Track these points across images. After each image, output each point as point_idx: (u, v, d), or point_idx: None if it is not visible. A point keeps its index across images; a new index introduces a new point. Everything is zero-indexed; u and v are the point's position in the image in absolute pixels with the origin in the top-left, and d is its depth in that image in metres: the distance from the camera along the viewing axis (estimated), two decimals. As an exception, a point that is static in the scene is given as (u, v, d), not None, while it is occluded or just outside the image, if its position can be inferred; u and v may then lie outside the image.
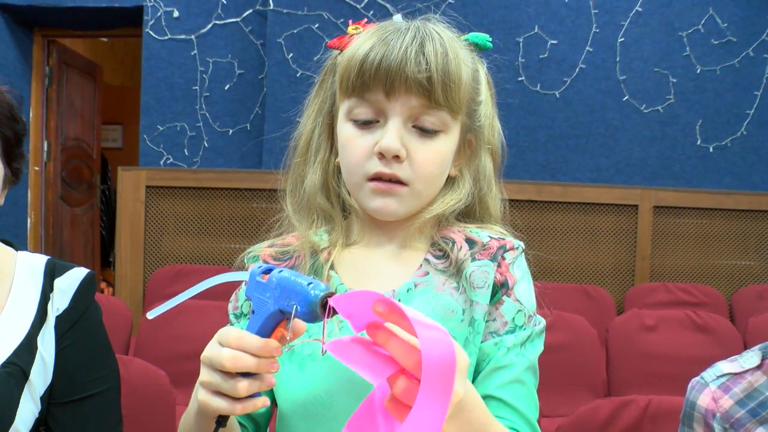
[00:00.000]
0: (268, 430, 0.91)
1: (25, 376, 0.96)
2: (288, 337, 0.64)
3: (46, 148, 4.80)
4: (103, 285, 5.90)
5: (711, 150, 3.84)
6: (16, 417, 0.94)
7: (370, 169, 0.80)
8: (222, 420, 0.68)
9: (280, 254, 0.89)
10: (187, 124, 4.07)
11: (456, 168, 0.87)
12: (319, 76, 0.90)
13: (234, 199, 3.61)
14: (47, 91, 4.80)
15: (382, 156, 0.79)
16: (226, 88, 4.05)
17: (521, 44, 3.82)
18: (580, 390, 2.44)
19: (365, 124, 0.81)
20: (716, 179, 3.83)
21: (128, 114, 6.58)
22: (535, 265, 0.88)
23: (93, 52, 6.49)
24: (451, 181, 0.87)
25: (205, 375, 0.66)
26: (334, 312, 0.61)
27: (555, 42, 3.83)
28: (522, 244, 0.86)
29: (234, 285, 0.77)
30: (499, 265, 0.82)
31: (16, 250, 1.07)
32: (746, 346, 2.55)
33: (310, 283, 0.62)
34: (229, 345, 0.64)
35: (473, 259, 0.83)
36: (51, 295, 1.02)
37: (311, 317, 0.62)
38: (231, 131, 4.06)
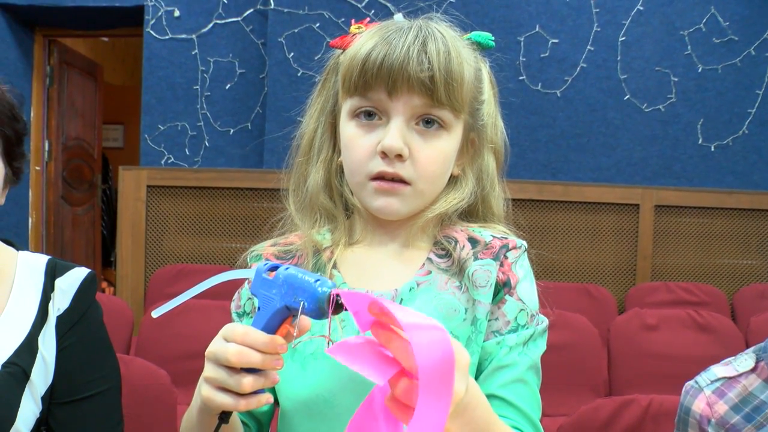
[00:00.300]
0: (270, 428, 0.91)
1: (26, 376, 0.96)
2: (294, 334, 0.64)
3: (47, 147, 4.81)
4: (104, 284, 5.91)
5: (712, 149, 3.83)
6: (17, 417, 0.94)
7: (373, 169, 0.80)
8: (225, 416, 0.68)
9: (283, 253, 0.89)
10: (188, 123, 4.07)
11: (459, 167, 0.87)
12: (321, 75, 0.90)
13: (235, 199, 3.61)
14: (48, 91, 4.80)
15: (384, 155, 0.79)
16: (227, 87, 4.05)
17: (522, 43, 3.82)
18: (581, 389, 2.43)
19: (368, 124, 0.81)
20: (718, 178, 3.83)
21: (129, 113, 6.58)
22: (537, 264, 0.87)
23: (94, 51, 6.49)
24: (453, 180, 0.87)
25: (209, 370, 0.65)
26: (340, 309, 0.61)
27: (556, 41, 3.82)
28: (525, 243, 0.86)
29: (236, 284, 0.77)
30: (501, 264, 0.82)
31: (17, 249, 1.07)
32: (748, 346, 2.54)
33: (318, 280, 0.62)
34: (235, 340, 0.64)
35: (476, 258, 0.83)
36: (52, 295, 1.02)
37: (318, 314, 0.62)
38: (232, 131, 4.06)
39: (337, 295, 0.61)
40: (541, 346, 0.83)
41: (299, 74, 3.81)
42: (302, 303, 0.62)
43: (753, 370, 0.95)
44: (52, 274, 1.03)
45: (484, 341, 0.81)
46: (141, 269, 3.60)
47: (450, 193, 0.86)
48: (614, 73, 3.82)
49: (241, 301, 0.90)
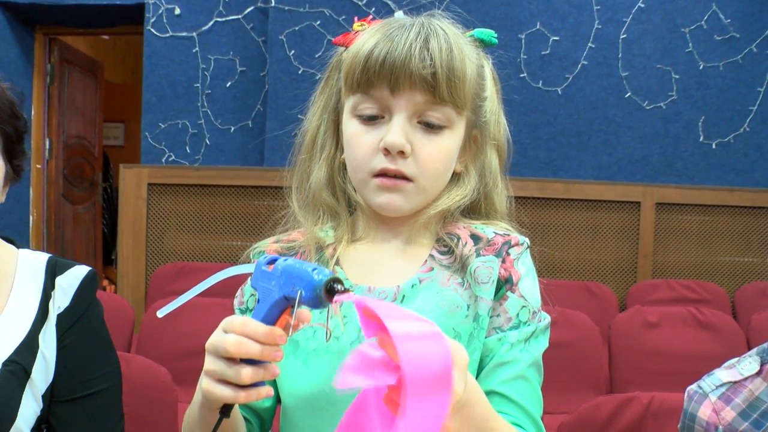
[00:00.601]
0: (271, 425, 0.91)
1: (26, 374, 0.96)
2: (292, 324, 0.64)
3: (47, 145, 4.80)
4: (105, 282, 5.91)
5: (714, 147, 3.83)
6: (18, 415, 0.94)
7: (376, 165, 0.80)
8: (226, 410, 0.68)
9: (286, 250, 0.89)
10: (189, 121, 4.07)
11: (461, 164, 0.87)
12: (324, 72, 0.90)
13: (236, 197, 3.61)
14: (49, 89, 4.80)
15: (387, 152, 0.80)
16: (228, 85, 4.05)
17: (523, 41, 3.81)
18: (582, 387, 2.43)
19: (370, 121, 0.81)
20: (719, 176, 3.82)
21: (130, 111, 6.58)
22: (538, 261, 0.87)
23: (94, 49, 6.49)
24: (456, 177, 0.87)
25: (209, 362, 0.65)
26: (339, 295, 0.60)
27: (557, 38, 3.82)
28: (527, 240, 0.86)
29: (237, 281, 0.77)
30: (503, 261, 0.82)
31: (18, 248, 1.07)
32: (749, 343, 2.54)
33: (315, 269, 0.62)
34: (234, 331, 0.64)
35: (478, 255, 0.83)
36: (52, 293, 1.02)
37: (316, 302, 0.61)
38: (233, 128, 4.06)
39: (333, 281, 0.60)
40: (543, 343, 0.83)
41: (300, 72, 3.81)
42: (300, 292, 0.61)
43: (758, 373, 0.93)
44: (52, 272, 1.03)
45: (485, 338, 0.80)
46: (142, 267, 3.60)
47: (452, 190, 0.86)
48: (615, 70, 3.82)
49: (243, 298, 0.90)
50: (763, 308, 2.91)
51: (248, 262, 0.87)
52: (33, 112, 4.67)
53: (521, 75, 3.81)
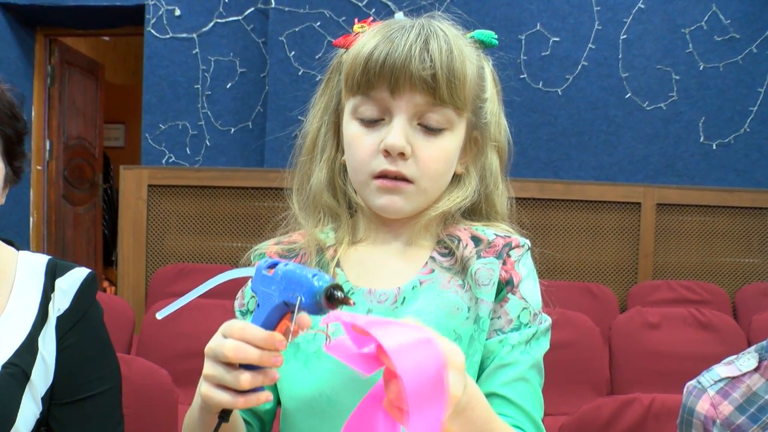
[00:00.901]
0: (272, 427, 0.91)
1: (26, 376, 0.96)
2: (292, 330, 0.64)
3: (48, 147, 4.80)
4: (105, 284, 5.91)
5: (714, 147, 3.83)
6: (18, 418, 0.94)
7: (376, 167, 0.80)
8: (225, 414, 0.68)
9: (286, 252, 0.89)
10: (189, 122, 4.07)
11: (462, 165, 0.87)
12: (325, 74, 0.90)
13: (236, 198, 3.61)
14: (49, 90, 4.80)
15: (387, 153, 0.79)
16: (228, 86, 4.05)
17: (523, 41, 3.81)
18: (582, 388, 2.43)
19: (370, 123, 0.81)
20: (719, 176, 3.82)
21: (130, 113, 6.58)
22: (538, 263, 0.87)
23: (95, 50, 6.49)
24: (457, 179, 0.87)
25: (208, 367, 0.65)
26: (338, 304, 0.60)
27: (557, 39, 3.82)
28: (528, 242, 0.86)
29: (238, 283, 0.77)
30: (504, 263, 0.82)
31: (17, 249, 1.07)
32: (750, 344, 2.53)
33: (315, 275, 0.61)
34: (233, 336, 0.63)
35: (479, 257, 0.83)
36: (52, 295, 1.02)
37: (315, 309, 0.61)
38: (233, 130, 4.06)
39: (333, 288, 0.60)
40: (544, 345, 0.83)
41: (300, 73, 3.81)
42: (299, 298, 0.61)
43: (756, 369, 0.95)
44: (52, 274, 1.03)
45: (486, 340, 0.80)
46: (142, 268, 3.60)
47: (453, 192, 0.85)
48: (615, 71, 3.81)
49: (244, 300, 0.90)
50: (763, 309, 2.91)
51: (249, 264, 0.87)
52: (33, 113, 4.67)
53: (521, 76, 3.80)
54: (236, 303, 0.91)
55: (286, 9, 3.83)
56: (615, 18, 3.81)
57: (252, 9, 4.01)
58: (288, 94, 3.78)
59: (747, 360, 0.96)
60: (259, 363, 0.63)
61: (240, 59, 4.04)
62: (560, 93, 3.83)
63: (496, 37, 0.87)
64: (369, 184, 0.82)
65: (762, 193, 3.66)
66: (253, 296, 0.88)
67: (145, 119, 4.09)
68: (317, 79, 0.91)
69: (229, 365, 0.64)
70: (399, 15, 0.86)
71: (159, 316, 0.74)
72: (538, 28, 3.82)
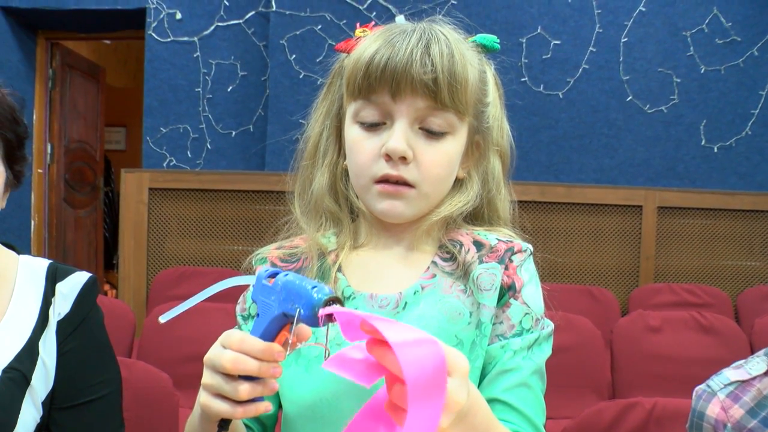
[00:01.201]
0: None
1: (26, 381, 0.96)
2: (291, 341, 0.64)
3: (49, 150, 4.81)
4: (106, 287, 5.91)
5: (715, 150, 3.82)
6: (18, 422, 0.94)
7: (378, 172, 0.80)
8: (224, 423, 0.68)
9: (288, 256, 0.89)
10: (190, 126, 4.07)
11: (464, 170, 0.86)
12: (326, 79, 0.90)
13: (237, 201, 3.61)
14: (50, 94, 4.80)
15: (388, 158, 0.79)
16: (229, 89, 4.05)
17: (524, 45, 3.81)
18: (584, 392, 2.43)
19: (372, 127, 0.81)
20: (721, 179, 3.82)
21: (131, 116, 6.59)
22: (539, 266, 0.87)
23: (96, 54, 6.50)
24: (459, 183, 0.86)
25: (207, 377, 0.65)
26: (334, 318, 0.60)
27: (558, 42, 3.82)
28: (530, 246, 0.85)
29: (240, 287, 0.76)
30: (506, 268, 0.82)
31: (18, 253, 1.06)
32: (752, 348, 2.54)
33: (315, 287, 0.61)
34: (231, 347, 0.63)
35: (481, 262, 0.82)
36: (52, 299, 1.01)
37: (314, 321, 0.61)
38: (234, 133, 4.06)
39: (332, 301, 0.60)
40: (546, 350, 0.83)
41: (301, 76, 3.81)
42: (298, 310, 0.61)
43: (766, 373, 0.95)
44: (52, 278, 1.03)
45: (488, 345, 0.80)
46: (143, 272, 3.60)
47: (455, 196, 0.85)
48: (616, 74, 3.81)
49: (246, 304, 0.90)
50: (765, 312, 2.91)
51: (250, 269, 0.87)
52: (35, 117, 4.67)
53: (522, 79, 3.81)
54: (238, 308, 0.90)
55: (287, 12, 3.84)
56: (616, 21, 3.81)
57: (253, 12, 4.02)
58: (289, 98, 3.78)
59: (756, 364, 0.97)
60: (258, 374, 0.63)
61: (241, 62, 4.04)
62: (561, 96, 3.83)
63: (498, 41, 0.87)
64: (370, 188, 0.81)
65: (763, 196, 3.65)
66: (254, 302, 0.88)
67: (146, 122, 4.09)
68: (318, 82, 0.91)
69: (228, 376, 0.64)
70: (400, 19, 0.86)
71: (162, 319, 0.74)
72: (539, 31, 3.82)
